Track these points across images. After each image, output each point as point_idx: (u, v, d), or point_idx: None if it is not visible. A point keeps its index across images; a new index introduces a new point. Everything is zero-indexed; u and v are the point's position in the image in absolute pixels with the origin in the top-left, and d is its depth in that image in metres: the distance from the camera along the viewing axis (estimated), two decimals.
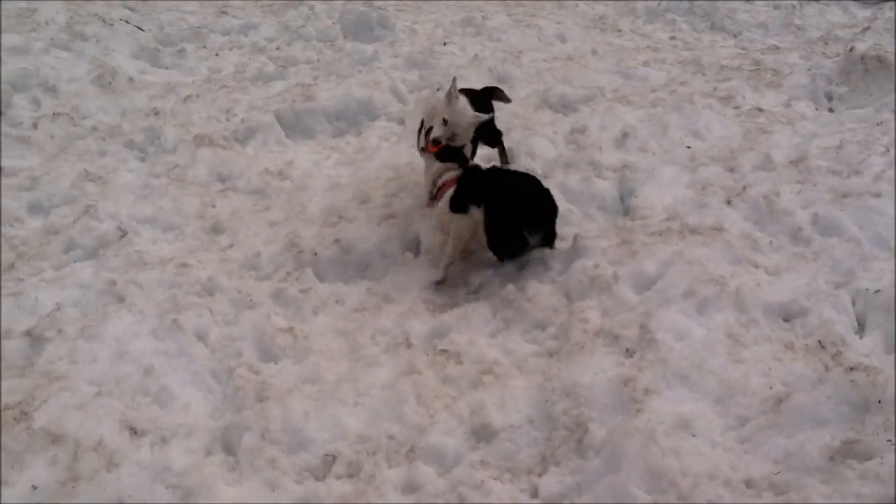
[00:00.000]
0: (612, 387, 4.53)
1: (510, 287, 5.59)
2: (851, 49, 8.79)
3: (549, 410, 4.54)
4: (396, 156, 7.87)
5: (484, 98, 6.79)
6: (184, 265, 6.11)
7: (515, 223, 5.63)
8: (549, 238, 5.85)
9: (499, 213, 5.66)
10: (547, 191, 5.80)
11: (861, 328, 4.88)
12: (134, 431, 4.57)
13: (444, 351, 5.18)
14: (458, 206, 5.81)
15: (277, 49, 11.58)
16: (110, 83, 9.56)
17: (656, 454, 4.00)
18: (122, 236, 6.52)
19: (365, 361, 5.17)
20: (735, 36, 12.15)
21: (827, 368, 4.42)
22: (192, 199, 7.16)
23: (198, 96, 9.43)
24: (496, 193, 5.70)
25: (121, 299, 5.71)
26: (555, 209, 5.85)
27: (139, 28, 11.85)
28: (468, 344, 5.19)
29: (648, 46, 11.61)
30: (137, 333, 5.29)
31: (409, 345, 5.25)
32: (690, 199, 6.45)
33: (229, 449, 4.56)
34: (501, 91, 7.15)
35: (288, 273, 6.05)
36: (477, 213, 5.73)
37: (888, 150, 6.52)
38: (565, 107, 8.93)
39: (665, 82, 9.42)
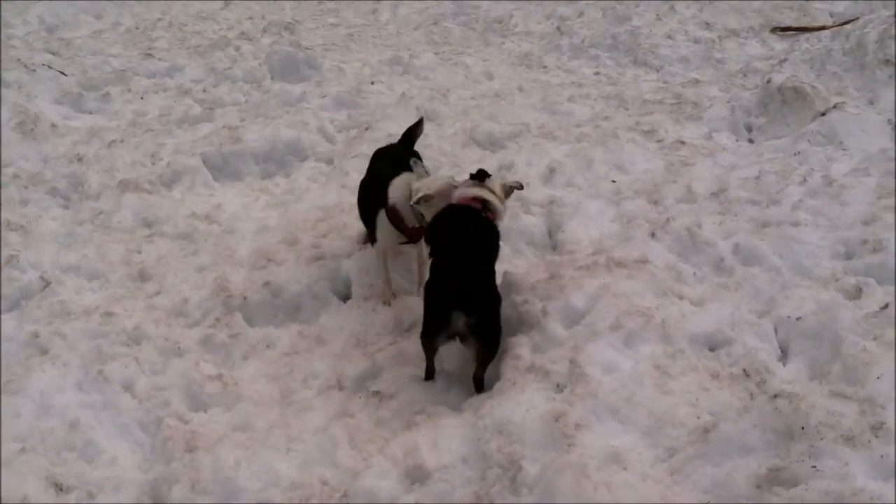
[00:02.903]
0: (543, 423, 4.54)
1: None
2: (769, 81, 9.03)
3: (483, 449, 4.53)
4: (325, 196, 7.85)
5: (407, 146, 6.71)
6: (109, 314, 6.00)
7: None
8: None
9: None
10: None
11: (784, 355, 4.98)
12: (60, 488, 4.48)
13: (377, 392, 5.17)
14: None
15: (204, 91, 11.49)
16: (32, 129, 9.38)
17: (588, 489, 4.04)
18: (45, 286, 6.38)
19: (297, 406, 5.13)
20: (657, 70, 12.40)
21: (752, 396, 4.51)
22: (117, 246, 7.05)
23: (122, 141, 9.30)
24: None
25: (44, 351, 5.59)
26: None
27: (62, 73, 11.70)
28: (400, 385, 5.18)
29: (573, 82, 11.79)
30: (62, 386, 5.18)
31: (341, 387, 5.25)
32: (616, 232, 6.55)
33: (159, 502, 4.47)
34: (418, 126, 6.88)
35: (217, 318, 5.99)
36: None
37: (805, 180, 6.70)
38: (493, 143, 9.01)
39: (590, 117, 9.57)
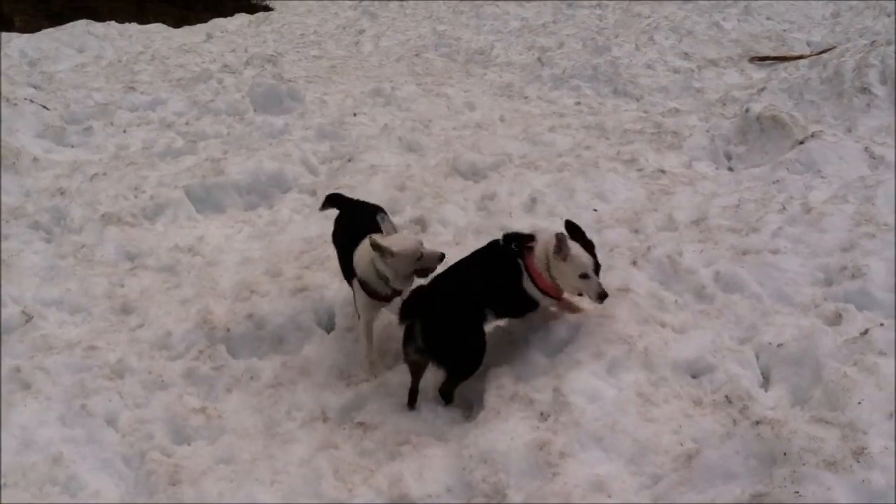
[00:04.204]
0: (528, 452, 4.56)
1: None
2: (748, 110, 9.13)
3: (468, 478, 4.54)
4: (308, 228, 7.87)
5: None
6: (92, 348, 5.99)
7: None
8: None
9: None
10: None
11: (766, 382, 5.01)
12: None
13: (361, 423, 5.17)
14: None
15: (186, 124, 11.52)
16: (14, 164, 9.37)
17: None
18: (27, 321, 6.38)
19: (281, 438, 5.12)
20: (637, 100, 12.51)
21: (735, 423, 4.53)
22: (100, 280, 7.05)
23: (105, 174, 9.31)
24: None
25: (26, 386, 5.57)
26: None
27: (44, 107, 11.69)
28: (385, 415, 5.19)
29: (554, 112, 11.88)
30: (44, 421, 5.19)
31: (325, 419, 5.24)
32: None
33: None
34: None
35: (200, 351, 5.98)
36: None
37: (784, 208, 6.76)
38: (475, 174, 9.06)
39: (571, 147, 9.63)
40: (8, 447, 4.93)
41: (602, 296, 5.15)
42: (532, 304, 5.38)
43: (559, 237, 5.10)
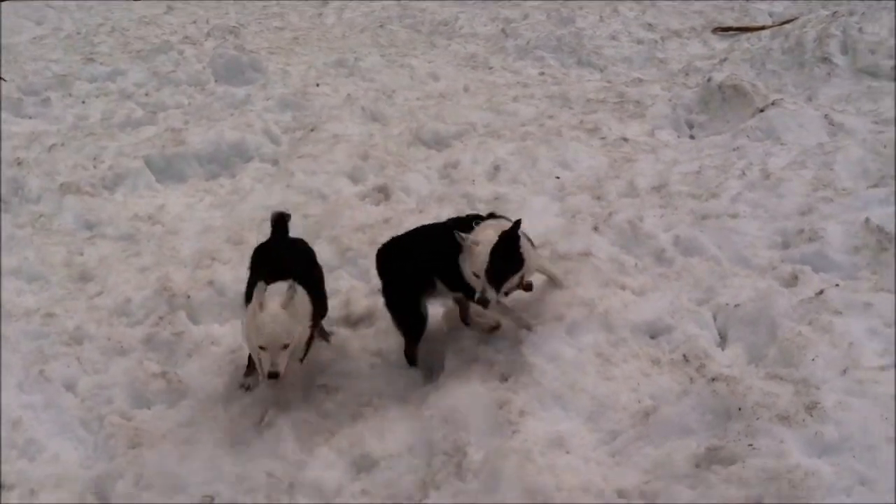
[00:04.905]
0: (488, 411, 4.62)
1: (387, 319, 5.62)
2: (710, 79, 9.16)
3: (428, 437, 4.60)
4: (271, 196, 7.83)
5: (282, 237, 5.76)
6: (50, 315, 5.97)
7: None
8: None
9: None
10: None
11: (723, 341, 5.08)
12: (1, 486, 4.45)
13: (323, 386, 5.18)
14: None
15: (146, 95, 11.38)
16: None
17: (532, 472, 4.12)
18: None
19: (241, 402, 5.11)
20: (601, 70, 12.50)
21: (691, 380, 4.61)
22: (58, 248, 7.00)
23: (63, 145, 9.20)
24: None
25: None
26: None
27: (1, 78, 11.51)
28: (346, 378, 5.20)
29: (518, 82, 11.85)
30: (3, 387, 5.15)
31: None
32: (560, 226, 6.60)
33: (103, 497, 4.50)
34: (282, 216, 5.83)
35: (160, 317, 5.95)
36: None
37: (744, 174, 6.82)
38: (438, 143, 9.04)
39: (534, 116, 9.64)
40: None
41: (482, 301, 4.75)
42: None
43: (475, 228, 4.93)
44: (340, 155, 8.47)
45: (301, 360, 5.01)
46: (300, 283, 4.71)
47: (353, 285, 6.31)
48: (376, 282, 5.88)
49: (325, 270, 6.32)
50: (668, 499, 3.90)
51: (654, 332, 5.16)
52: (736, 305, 5.17)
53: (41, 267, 6.70)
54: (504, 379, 4.88)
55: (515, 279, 4.87)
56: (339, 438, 4.68)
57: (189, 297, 6.13)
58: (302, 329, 4.72)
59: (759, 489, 3.79)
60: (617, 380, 4.75)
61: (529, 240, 5.12)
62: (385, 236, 6.32)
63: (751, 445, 4.00)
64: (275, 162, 8.91)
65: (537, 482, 4.08)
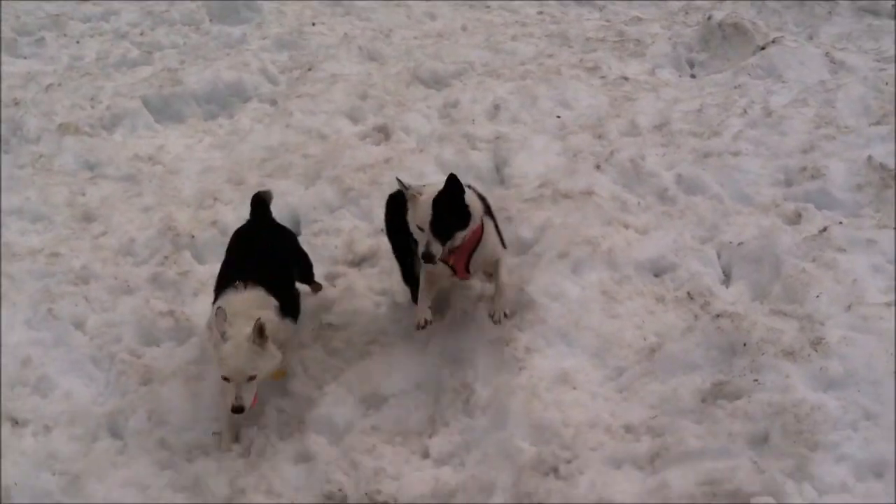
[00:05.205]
0: (494, 348, 4.68)
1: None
2: (710, 17, 9.10)
3: (436, 375, 4.68)
4: (270, 137, 7.80)
5: (262, 219, 5.38)
6: (55, 255, 5.98)
7: None
8: None
9: None
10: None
11: (727, 279, 5.13)
12: (15, 422, 4.55)
13: (330, 324, 5.22)
14: None
15: (141, 34, 11.23)
16: None
17: (539, 408, 4.19)
18: None
19: None
20: (600, 9, 12.35)
21: (696, 317, 4.67)
22: (60, 189, 6.98)
23: (60, 85, 9.12)
24: None
25: None
26: None
27: None
28: (352, 316, 5.24)
29: (517, 21, 11.72)
30: (11, 325, 5.24)
31: None
32: (562, 165, 6.61)
33: (116, 433, 4.55)
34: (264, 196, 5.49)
35: (165, 257, 5.97)
36: None
37: (745, 112, 6.82)
38: (437, 82, 8.98)
39: (534, 55, 9.56)
40: None
41: (427, 257, 4.39)
42: None
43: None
44: (339, 94, 8.41)
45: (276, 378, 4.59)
46: (276, 283, 4.51)
47: (356, 225, 6.30)
48: (378, 222, 5.91)
49: (326, 211, 6.39)
50: (674, 434, 3.95)
51: (658, 271, 5.21)
52: (739, 243, 5.21)
53: (44, 207, 6.70)
54: (510, 317, 4.92)
55: (460, 237, 4.51)
56: (347, 375, 4.75)
57: (193, 236, 6.14)
58: (272, 362, 4.28)
59: (765, 423, 3.85)
60: (622, 317, 4.80)
61: (484, 201, 4.85)
62: (386, 177, 6.36)
63: (756, 380, 4.06)
64: (273, 102, 8.84)
65: (544, 418, 4.16)
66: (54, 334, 5.15)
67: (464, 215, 4.47)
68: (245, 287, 4.42)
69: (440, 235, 4.38)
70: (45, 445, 4.39)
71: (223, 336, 4.11)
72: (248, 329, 4.11)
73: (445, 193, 4.37)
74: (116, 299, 5.56)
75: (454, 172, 4.48)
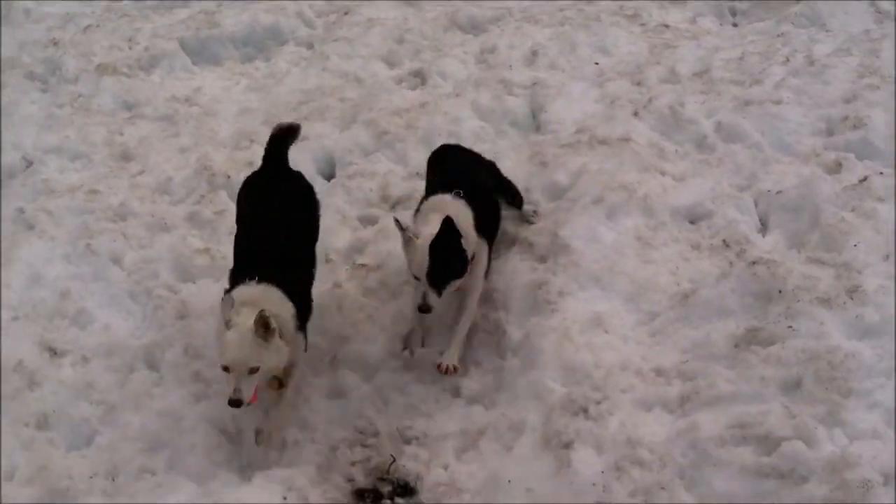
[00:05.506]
0: (527, 291, 4.72)
1: None
2: None
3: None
4: (307, 80, 7.77)
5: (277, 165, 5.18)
6: (94, 192, 6.05)
7: None
8: None
9: None
10: None
11: (764, 227, 5.09)
12: (54, 352, 4.66)
13: (363, 265, 5.25)
14: None
15: None
16: (6, 15, 9.20)
17: (570, 350, 4.23)
18: (27, 166, 6.45)
19: None
20: None
21: (731, 264, 4.65)
22: (99, 128, 7.03)
23: (98, 26, 9.13)
24: None
25: (30, 226, 5.70)
26: None
27: None
28: (385, 257, 5.26)
29: None
30: (50, 259, 5.33)
31: (328, 260, 5.31)
32: (599, 112, 6.55)
33: (152, 366, 4.65)
34: (290, 131, 5.26)
35: (202, 196, 6.02)
36: None
37: (788, 60, 6.71)
38: (474, 27, 8.87)
39: (572, 1, 9.44)
40: (17, 283, 5.10)
41: (423, 308, 4.31)
42: None
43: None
44: (375, 38, 8.36)
45: (281, 385, 4.28)
46: (282, 269, 4.19)
47: (391, 168, 6.29)
48: (414, 165, 5.92)
49: (361, 154, 6.38)
50: (706, 378, 3.98)
51: (693, 218, 5.18)
52: (778, 192, 5.16)
53: (83, 146, 6.75)
54: (543, 260, 4.95)
55: (456, 283, 4.41)
56: (381, 314, 4.80)
57: (229, 177, 6.16)
58: (276, 356, 3.99)
59: (798, 369, 3.86)
60: (656, 263, 4.80)
61: (478, 211, 4.65)
62: (422, 121, 6.35)
63: (790, 327, 4.05)
64: (310, 45, 8.79)
65: (576, 360, 4.20)
66: (93, 269, 5.25)
67: (462, 261, 4.39)
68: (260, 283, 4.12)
69: (437, 286, 4.30)
70: (84, 376, 4.51)
71: (227, 324, 3.88)
72: (254, 324, 3.84)
73: (442, 239, 4.26)
74: (154, 236, 5.63)
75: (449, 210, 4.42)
